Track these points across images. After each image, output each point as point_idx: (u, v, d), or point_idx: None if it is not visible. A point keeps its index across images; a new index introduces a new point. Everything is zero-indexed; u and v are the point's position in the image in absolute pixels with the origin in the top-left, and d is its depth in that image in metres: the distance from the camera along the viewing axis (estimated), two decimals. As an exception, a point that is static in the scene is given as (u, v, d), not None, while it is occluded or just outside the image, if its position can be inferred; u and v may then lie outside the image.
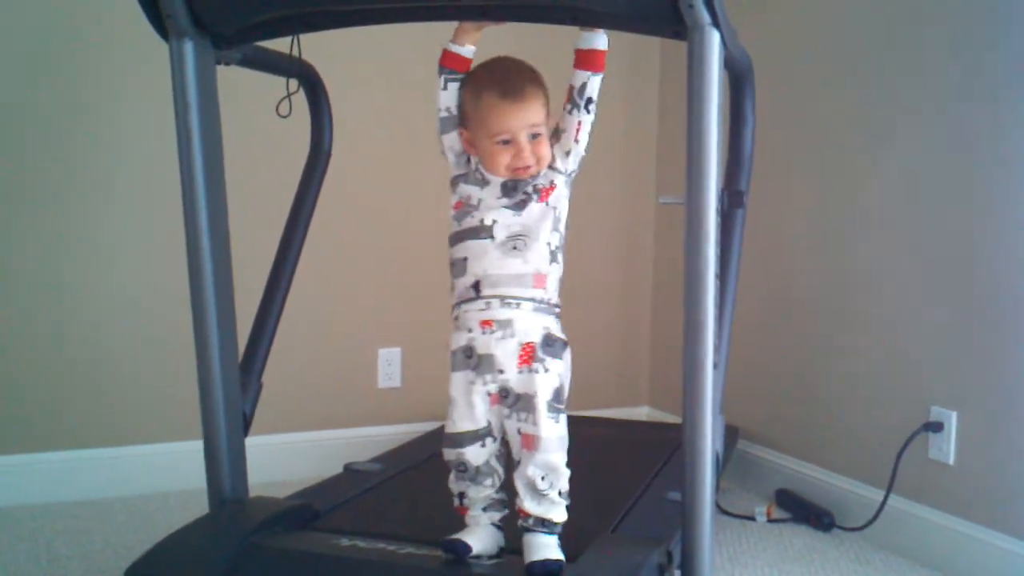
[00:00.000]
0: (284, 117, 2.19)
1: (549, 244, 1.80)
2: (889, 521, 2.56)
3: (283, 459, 3.02)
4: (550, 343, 1.79)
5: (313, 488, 2.33)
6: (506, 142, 1.78)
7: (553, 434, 1.76)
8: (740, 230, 2.24)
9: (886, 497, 2.55)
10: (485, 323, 1.78)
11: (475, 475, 1.81)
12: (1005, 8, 2.29)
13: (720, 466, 1.88)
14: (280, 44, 2.12)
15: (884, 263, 2.64)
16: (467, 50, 1.82)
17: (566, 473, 1.78)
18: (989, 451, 2.35)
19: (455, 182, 1.87)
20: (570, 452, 1.79)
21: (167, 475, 2.93)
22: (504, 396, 1.79)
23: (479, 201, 1.82)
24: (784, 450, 3.03)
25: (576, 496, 1.78)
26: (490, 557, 1.78)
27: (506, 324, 1.77)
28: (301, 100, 2.34)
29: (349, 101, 2.65)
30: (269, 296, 2.33)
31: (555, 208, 1.82)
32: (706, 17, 1.60)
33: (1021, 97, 2.26)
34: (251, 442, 2.09)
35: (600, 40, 1.77)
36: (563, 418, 1.79)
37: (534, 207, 1.80)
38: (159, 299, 2.94)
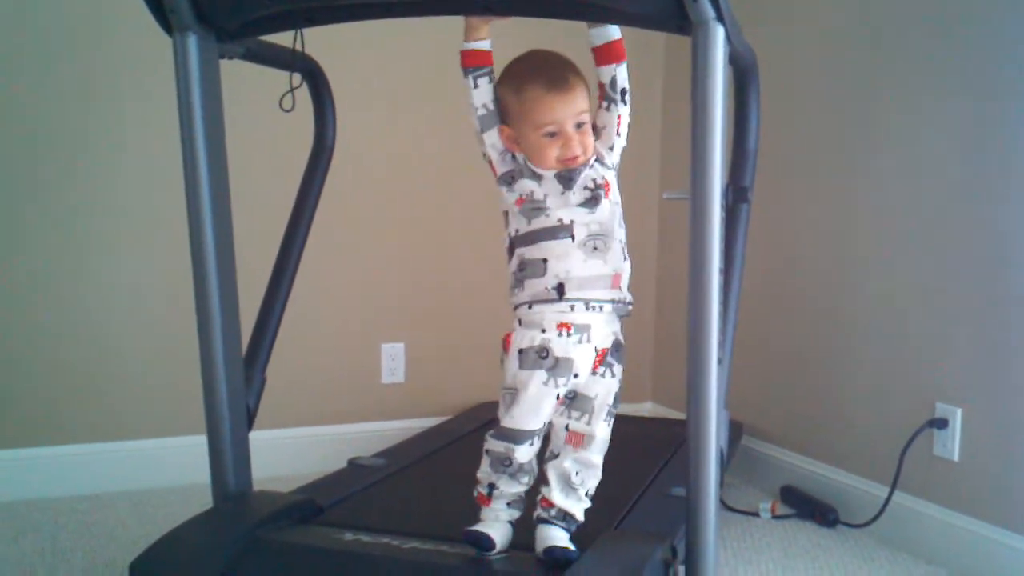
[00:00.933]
0: (287, 112, 2.19)
1: (621, 241, 1.84)
2: (894, 517, 2.55)
3: (287, 454, 3.03)
4: (618, 348, 1.86)
5: (317, 483, 2.33)
6: (552, 134, 1.77)
7: (601, 435, 1.81)
8: (744, 226, 2.24)
9: (891, 493, 2.55)
10: (562, 325, 1.78)
11: (516, 471, 1.81)
12: (1012, 2, 2.28)
13: (724, 462, 1.87)
14: (283, 39, 2.11)
15: (889, 259, 2.64)
16: (483, 44, 1.81)
17: (599, 476, 1.82)
18: (994, 448, 2.35)
19: (507, 179, 1.83)
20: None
21: (171, 470, 2.93)
22: (571, 398, 1.81)
23: (544, 196, 1.80)
24: (789, 446, 3.02)
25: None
26: (496, 552, 1.78)
27: (584, 328, 1.79)
28: (304, 95, 2.34)
29: (352, 95, 2.65)
30: (273, 290, 2.32)
31: (617, 204, 1.84)
32: (710, 12, 1.60)
33: (1027, 92, 2.26)
34: (255, 437, 2.09)
35: (613, 31, 1.78)
36: (612, 421, 1.83)
37: (605, 204, 1.81)
38: (163, 293, 2.94)
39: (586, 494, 1.81)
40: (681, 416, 1.84)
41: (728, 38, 1.64)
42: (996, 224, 2.33)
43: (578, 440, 1.80)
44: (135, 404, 2.98)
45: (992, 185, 2.34)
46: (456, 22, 1.83)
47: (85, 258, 2.91)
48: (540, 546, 1.77)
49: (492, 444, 1.81)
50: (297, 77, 2.26)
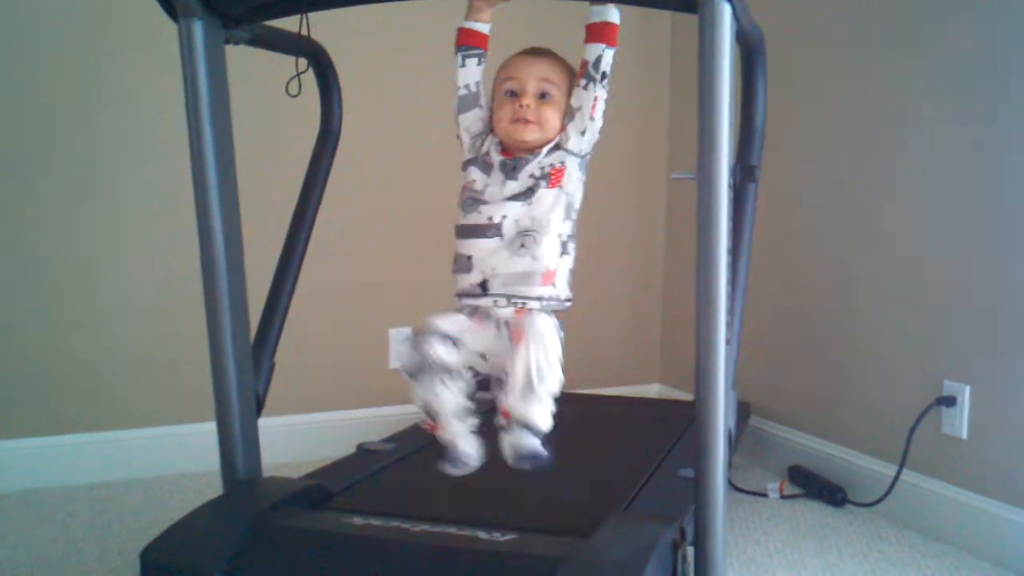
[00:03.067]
0: (293, 97, 2.18)
1: (560, 235, 1.79)
2: (902, 496, 2.56)
3: (296, 440, 3.03)
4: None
5: (326, 468, 2.33)
6: (513, 93, 1.78)
7: (544, 325, 1.72)
8: (752, 205, 2.23)
9: (899, 472, 2.55)
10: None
11: (435, 373, 1.77)
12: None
13: (733, 443, 1.87)
14: (289, 24, 2.11)
15: (897, 237, 2.63)
16: (483, 26, 1.80)
17: (559, 375, 1.72)
18: (1002, 425, 2.35)
19: (465, 166, 1.86)
20: (579, 431, 1.76)
21: (181, 457, 2.95)
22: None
23: (484, 188, 1.80)
24: (796, 426, 3.03)
25: (588, 474, 1.77)
26: (503, 533, 1.77)
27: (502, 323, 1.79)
28: (311, 80, 2.33)
29: (359, 80, 2.64)
30: (280, 277, 2.32)
31: (568, 194, 1.79)
32: (717, -11, 1.59)
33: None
34: (264, 423, 2.09)
35: (612, 13, 1.75)
36: (557, 324, 1.76)
37: (545, 195, 1.77)
38: (172, 280, 2.95)
39: (548, 395, 1.71)
40: (689, 397, 1.84)
41: (735, 16, 1.63)
42: (1006, 201, 2.32)
43: (519, 333, 1.72)
44: (145, 392, 2.99)
45: (1006, 163, 2.33)
46: (464, 1, 1.82)
47: (92, 245, 2.91)
48: (507, 456, 1.73)
49: (408, 354, 1.79)
50: (303, 62, 2.26)
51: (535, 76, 1.77)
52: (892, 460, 2.59)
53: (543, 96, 1.78)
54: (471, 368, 1.81)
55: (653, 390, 3.79)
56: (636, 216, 3.71)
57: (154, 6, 1.88)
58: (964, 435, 2.44)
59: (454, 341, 1.78)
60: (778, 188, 2.95)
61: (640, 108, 3.65)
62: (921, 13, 2.53)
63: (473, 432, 1.82)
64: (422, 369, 1.77)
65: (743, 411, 3.00)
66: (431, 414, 1.81)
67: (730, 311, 1.72)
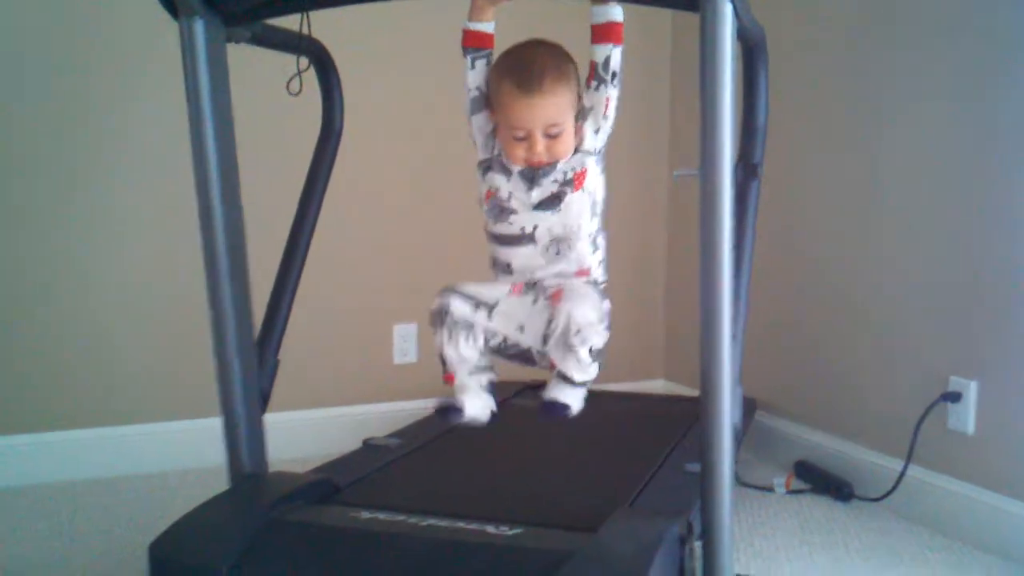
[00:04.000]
0: (295, 95, 2.18)
1: (591, 233, 1.83)
2: (908, 491, 2.55)
3: (301, 436, 3.04)
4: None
5: (333, 463, 2.34)
6: (521, 138, 1.77)
7: (585, 291, 1.79)
8: (755, 202, 2.23)
9: (905, 467, 2.55)
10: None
11: (456, 326, 1.82)
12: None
13: (739, 438, 1.87)
14: (290, 22, 2.11)
15: (902, 232, 2.63)
16: (486, 25, 1.79)
17: (605, 334, 1.79)
18: (1009, 420, 2.34)
19: (482, 168, 1.86)
20: (585, 426, 1.78)
21: (187, 452, 2.96)
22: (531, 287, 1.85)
23: (509, 195, 1.81)
24: (802, 421, 3.02)
25: (595, 470, 1.78)
26: (511, 527, 1.78)
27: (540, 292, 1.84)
28: (312, 78, 2.33)
29: (361, 78, 2.64)
30: (284, 273, 2.33)
31: (592, 193, 1.82)
32: (719, -13, 1.59)
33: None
34: (269, 419, 2.10)
35: (616, 12, 1.74)
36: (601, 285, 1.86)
37: (572, 200, 1.79)
38: (176, 276, 2.95)
39: (590, 353, 1.78)
40: (694, 393, 1.84)
41: (736, 14, 1.63)
42: (1011, 196, 2.32)
43: (559, 295, 1.78)
44: (151, 387, 3.00)
45: (1008, 158, 2.33)
46: (465, 2, 1.82)
47: (95, 242, 2.92)
48: (539, 404, 1.82)
49: (435, 304, 1.84)
50: (304, 60, 2.26)
51: (540, 123, 1.75)
52: (899, 455, 2.59)
53: (551, 136, 1.77)
54: (509, 340, 1.86)
55: (658, 386, 3.79)
56: (639, 213, 3.70)
57: (156, 5, 1.88)
58: (970, 431, 2.43)
59: (478, 303, 1.83)
60: (782, 185, 2.95)
61: (642, 106, 3.64)
62: (922, 13, 2.53)
63: (482, 388, 1.87)
64: (440, 320, 1.82)
65: (749, 407, 2.99)
66: (445, 363, 1.86)
67: (734, 307, 1.72)
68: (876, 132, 2.71)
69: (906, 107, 2.60)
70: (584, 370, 1.80)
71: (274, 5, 1.92)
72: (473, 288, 1.85)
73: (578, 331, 1.75)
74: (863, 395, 2.78)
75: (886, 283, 2.69)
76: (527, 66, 1.75)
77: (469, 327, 1.83)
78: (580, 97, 1.79)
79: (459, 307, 1.82)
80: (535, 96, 1.73)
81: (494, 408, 1.89)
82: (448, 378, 1.88)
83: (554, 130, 1.75)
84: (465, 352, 1.84)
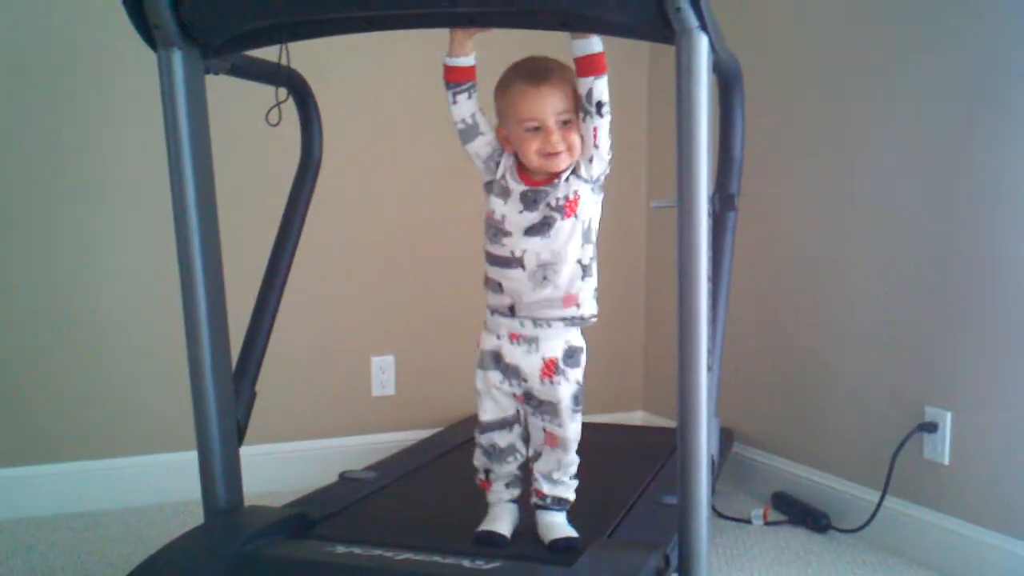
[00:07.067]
0: (273, 126, 2.19)
1: (580, 261, 1.87)
2: (885, 522, 2.56)
3: (278, 469, 3.02)
4: (570, 355, 1.92)
5: (308, 497, 2.32)
6: (536, 129, 1.82)
7: (572, 434, 1.94)
8: (732, 232, 2.25)
9: (882, 498, 2.55)
10: (514, 336, 1.92)
11: (502, 454, 1.97)
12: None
13: (716, 469, 1.88)
14: (269, 54, 2.12)
15: (877, 263, 2.65)
16: (466, 60, 1.83)
17: (576, 461, 1.98)
18: (984, 451, 2.35)
19: (485, 189, 1.93)
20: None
21: (162, 486, 2.93)
22: (528, 398, 1.94)
23: (503, 217, 1.88)
24: (779, 452, 3.03)
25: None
26: (488, 561, 1.77)
27: (532, 340, 1.91)
28: (291, 109, 2.34)
29: (339, 109, 2.65)
30: (261, 304, 2.32)
31: (584, 221, 1.87)
32: (694, 21, 1.60)
33: (1020, 104, 2.27)
34: (245, 452, 2.08)
35: (594, 44, 1.78)
36: (579, 416, 1.95)
37: (561, 227, 1.85)
38: (151, 309, 2.93)
39: (570, 478, 1.98)
40: (671, 424, 1.84)
41: (712, 46, 1.65)
42: (986, 227, 2.34)
43: (554, 441, 1.94)
44: (125, 421, 2.97)
45: (983, 187, 2.35)
46: (443, 31, 1.83)
47: (74, 277, 2.90)
48: (543, 535, 1.95)
49: (478, 437, 2.00)
50: (283, 91, 2.27)
51: (552, 112, 1.82)
52: (875, 486, 2.59)
53: (564, 123, 1.84)
54: (516, 398, 1.97)
55: (636, 417, 3.79)
56: (617, 244, 3.71)
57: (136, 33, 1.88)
58: (946, 461, 2.44)
59: (510, 424, 1.98)
60: (758, 215, 2.97)
61: (618, 137, 3.58)
62: (896, 37, 2.56)
63: (511, 501, 2.02)
64: (486, 453, 2.00)
65: (726, 438, 3.00)
66: (486, 474, 2.02)
67: (711, 338, 1.73)
68: (852, 163, 2.73)
69: (882, 139, 2.63)
70: (571, 490, 1.99)
71: (253, 37, 1.92)
72: (491, 411, 1.97)
73: (559, 468, 1.96)
74: (840, 426, 2.79)
75: (862, 314, 2.70)
76: (534, 65, 1.86)
77: (512, 451, 1.99)
78: (575, 94, 1.84)
79: (502, 438, 1.97)
80: (543, 86, 1.82)
81: (517, 521, 2.02)
82: (485, 486, 2.02)
83: (565, 116, 1.83)
84: (507, 470, 2.00)
